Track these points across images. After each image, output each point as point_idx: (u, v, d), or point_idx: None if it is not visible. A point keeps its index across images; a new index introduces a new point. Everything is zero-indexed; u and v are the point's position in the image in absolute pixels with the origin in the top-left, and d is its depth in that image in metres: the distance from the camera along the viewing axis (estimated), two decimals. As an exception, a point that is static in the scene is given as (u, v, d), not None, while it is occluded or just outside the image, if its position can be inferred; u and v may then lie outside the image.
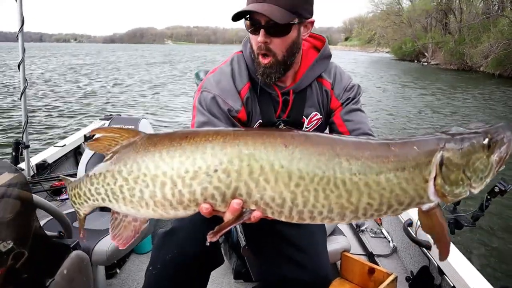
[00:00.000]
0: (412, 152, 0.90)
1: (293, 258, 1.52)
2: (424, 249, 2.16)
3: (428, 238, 2.12)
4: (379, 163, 0.88)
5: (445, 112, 12.54)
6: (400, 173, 0.88)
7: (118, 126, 2.32)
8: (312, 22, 1.41)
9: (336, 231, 2.33)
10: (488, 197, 1.93)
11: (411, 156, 0.89)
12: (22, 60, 2.52)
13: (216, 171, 0.87)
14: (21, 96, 2.62)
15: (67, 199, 2.93)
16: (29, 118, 2.77)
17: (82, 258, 1.48)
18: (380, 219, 3.00)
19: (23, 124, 2.70)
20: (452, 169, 0.90)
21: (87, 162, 2.69)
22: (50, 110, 11.40)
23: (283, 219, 0.92)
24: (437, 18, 41.66)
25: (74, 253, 1.45)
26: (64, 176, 1.15)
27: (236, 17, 1.30)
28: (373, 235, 2.85)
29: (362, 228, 2.92)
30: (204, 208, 0.90)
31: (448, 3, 38.98)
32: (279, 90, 1.47)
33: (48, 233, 1.53)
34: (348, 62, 38.69)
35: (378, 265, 2.42)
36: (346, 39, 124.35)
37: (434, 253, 2.08)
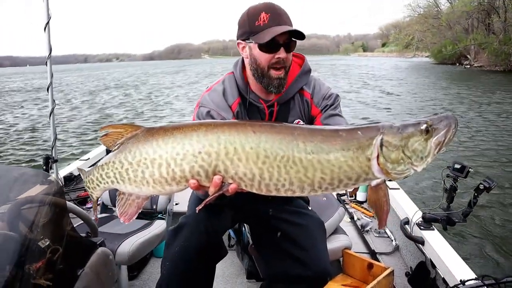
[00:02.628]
0: (356, 135, 1.13)
1: (295, 255, 1.70)
2: (419, 245, 2.29)
3: (421, 234, 2.27)
4: (329, 145, 1.12)
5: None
6: (346, 152, 1.11)
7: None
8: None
9: (338, 230, 2.49)
10: (475, 194, 2.08)
11: (355, 139, 1.13)
12: (51, 83, 2.84)
13: (200, 153, 1.13)
14: (50, 115, 2.93)
15: (90, 208, 3.20)
16: (57, 135, 3.07)
17: (106, 254, 1.70)
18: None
19: (52, 140, 3.00)
20: (391, 150, 1.11)
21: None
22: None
23: (254, 190, 1.17)
24: (479, 18, 39.99)
25: (100, 249, 1.67)
26: (80, 168, 1.44)
27: (271, 40, 1.48)
28: (377, 235, 2.99)
29: (367, 228, 3.06)
30: (192, 183, 1.15)
31: (491, 2, 37.41)
32: (265, 103, 1.69)
33: (78, 233, 1.77)
34: (385, 69, 37.68)
35: (379, 261, 2.57)
36: (383, 45, 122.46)
37: (427, 248, 2.22)
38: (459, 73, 32.05)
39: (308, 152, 1.12)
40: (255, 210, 1.84)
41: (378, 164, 1.12)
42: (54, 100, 2.91)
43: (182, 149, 1.13)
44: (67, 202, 1.69)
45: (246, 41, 1.56)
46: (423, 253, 2.31)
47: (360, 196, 3.55)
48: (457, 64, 42.03)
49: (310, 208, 1.97)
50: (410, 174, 1.16)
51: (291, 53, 1.57)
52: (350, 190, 1.20)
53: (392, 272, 2.14)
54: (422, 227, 2.32)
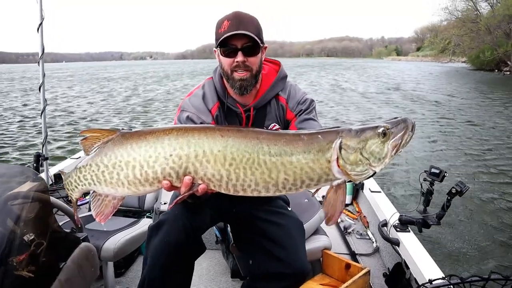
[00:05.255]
0: (317, 139, 1.22)
1: (274, 254, 1.77)
2: (396, 246, 2.37)
3: (397, 236, 2.35)
4: (291, 147, 1.21)
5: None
6: (307, 155, 1.20)
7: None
8: (266, 48, 1.73)
9: (319, 231, 2.56)
10: (448, 197, 2.16)
11: (315, 142, 1.21)
12: (43, 83, 2.91)
13: (171, 155, 1.21)
14: (41, 114, 2.99)
15: (81, 205, 3.25)
16: (48, 133, 3.13)
17: (89, 249, 1.77)
18: (367, 222, 3.21)
19: (43, 138, 3.06)
20: (350, 152, 1.20)
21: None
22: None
23: (222, 191, 1.25)
24: (523, 23, 36.86)
25: (83, 244, 1.74)
26: (61, 170, 1.51)
27: (222, 43, 1.60)
28: (359, 237, 3.07)
29: (349, 230, 3.14)
30: (165, 184, 1.23)
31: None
32: (242, 108, 1.77)
33: (63, 229, 1.84)
34: (418, 73, 36.53)
35: (358, 262, 2.64)
36: (418, 49, 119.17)
37: (402, 249, 2.29)
38: (499, 80, 30.87)
39: (272, 155, 1.20)
40: (236, 210, 1.90)
41: (338, 165, 1.20)
42: (45, 99, 2.97)
43: (154, 152, 1.21)
44: (52, 198, 1.76)
45: (216, 48, 1.66)
46: (399, 254, 2.38)
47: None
48: (496, 70, 40.31)
49: (290, 209, 2.04)
50: (369, 174, 1.25)
51: (257, 57, 1.65)
52: (313, 190, 1.28)
53: (368, 272, 2.21)
54: (398, 229, 2.39)
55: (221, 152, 1.20)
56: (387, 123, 1.24)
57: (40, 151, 3.03)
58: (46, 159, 3.05)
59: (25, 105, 17.80)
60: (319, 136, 1.23)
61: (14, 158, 8.63)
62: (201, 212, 1.79)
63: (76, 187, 1.35)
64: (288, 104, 1.82)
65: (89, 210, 3.06)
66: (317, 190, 1.36)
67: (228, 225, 2.37)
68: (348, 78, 34.10)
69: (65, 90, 25.61)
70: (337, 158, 1.19)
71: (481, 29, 42.84)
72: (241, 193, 1.25)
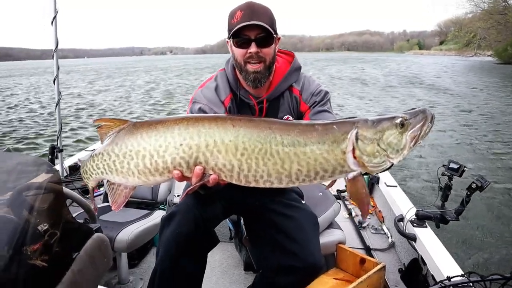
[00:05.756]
0: (332, 130, 1.18)
1: (286, 247, 1.74)
2: (412, 242, 2.31)
3: (414, 231, 2.29)
4: (305, 138, 1.17)
5: None
6: (321, 145, 1.16)
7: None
8: (279, 38, 1.68)
9: (333, 225, 2.52)
10: (468, 193, 2.08)
11: (330, 133, 1.17)
12: (57, 76, 2.94)
13: (181, 145, 1.19)
14: (56, 107, 3.02)
15: (96, 196, 3.29)
16: (62, 125, 3.16)
17: (102, 240, 1.76)
18: (382, 217, 3.15)
19: (57, 130, 3.09)
20: (367, 143, 1.16)
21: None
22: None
23: (234, 181, 1.22)
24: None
25: (96, 235, 1.74)
26: (80, 159, 1.52)
27: (235, 34, 1.56)
28: (374, 232, 3.01)
29: (364, 224, 3.09)
30: (175, 174, 1.21)
31: None
32: (255, 100, 1.74)
33: (77, 220, 1.85)
34: (441, 68, 35.73)
35: (373, 257, 2.59)
36: (441, 43, 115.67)
37: (419, 245, 2.24)
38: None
39: (285, 145, 1.16)
40: (249, 202, 1.88)
41: (355, 157, 1.16)
42: (60, 92, 3.00)
43: (164, 142, 1.19)
44: (65, 188, 1.77)
45: (229, 39, 1.62)
46: (416, 250, 2.33)
47: (360, 193, 3.56)
48: (525, 64, 38.01)
49: (303, 202, 2.01)
50: (386, 166, 1.20)
51: (270, 48, 1.61)
52: (327, 182, 1.25)
53: (383, 268, 2.16)
54: (415, 224, 2.33)
55: (232, 142, 1.17)
56: (405, 114, 1.19)
57: (55, 143, 3.06)
58: (61, 151, 3.09)
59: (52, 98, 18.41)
60: (334, 126, 1.18)
61: (34, 148, 8.85)
62: (213, 204, 1.77)
63: (91, 175, 1.36)
64: (302, 95, 1.78)
65: (104, 201, 3.11)
66: (331, 184, 1.32)
67: (241, 218, 2.36)
68: (369, 71, 33.66)
69: (87, 84, 26.49)
70: (353, 149, 1.15)
71: (510, 21, 41.50)
72: (253, 184, 1.22)
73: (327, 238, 2.36)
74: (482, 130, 10.22)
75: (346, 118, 1.24)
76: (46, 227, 1.59)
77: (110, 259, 1.88)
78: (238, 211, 2.08)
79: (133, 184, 1.29)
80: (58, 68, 2.93)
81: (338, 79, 26.80)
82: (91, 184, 1.41)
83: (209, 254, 1.81)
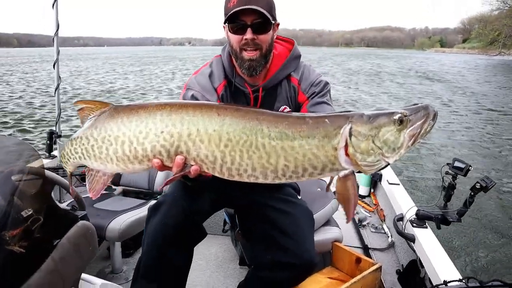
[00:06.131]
0: (323, 123, 1.09)
1: (280, 243, 1.69)
2: (410, 242, 2.23)
3: (413, 231, 2.20)
4: (294, 131, 1.08)
5: None
6: (311, 140, 1.07)
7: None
8: (278, 25, 1.59)
9: (330, 222, 2.45)
10: (472, 193, 1.99)
11: (321, 127, 1.08)
12: (57, 60, 2.90)
13: (162, 132, 1.12)
14: (55, 92, 3.00)
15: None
16: (61, 110, 3.14)
17: (87, 227, 1.72)
18: (384, 215, 3.06)
19: (56, 116, 3.06)
20: (361, 139, 1.06)
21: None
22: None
23: (216, 174, 1.15)
24: None
25: (81, 222, 1.69)
26: (60, 142, 1.46)
27: (231, 19, 1.48)
28: (374, 230, 2.93)
29: (364, 223, 3.00)
30: (155, 163, 1.14)
31: None
32: (250, 88, 1.66)
33: (62, 205, 1.81)
34: (463, 66, 35.09)
35: (370, 257, 2.51)
36: (464, 41, 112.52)
37: (417, 246, 2.15)
38: None
39: (272, 138, 1.08)
40: (241, 196, 1.82)
41: (347, 154, 1.07)
42: (60, 77, 2.97)
43: (145, 128, 1.12)
44: (48, 171, 1.73)
45: (224, 24, 1.55)
46: (414, 251, 2.24)
47: (362, 190, 3.48)
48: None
49: (299, 197, 1.94)
50: (381, 166, 1.11)
51: (267, 34, 1.52)
52: (327, 178, 1.16)
53: (379, 268, 2.09)
54: (414, 224, 2.24)
55: (217, 131, 1.10)
56: (405, 110, 1.09)
57: (54, 129, 3.04)
58: (59, 136, 3.06)
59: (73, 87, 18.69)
60: (326, 120, 1.09)
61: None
62: (201, 196, 1.71)
63: (68, 160, 1.30)
64: (300, 85, 1.70)
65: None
66: (330, 184, 1.23)
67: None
68: (387, 68, 33.27)
69: (105, 72, 26.71)
70: (346, 146, 1.06)
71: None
72: (236, 178, 1.14)
73: (323, 235, 2.29)
74: (500, 130, 9.96)
75: (341, 112, 1.15)
76: (31, 212, 1.55)
77: (95, 248, 1.83)
78: (231, 204, 2.02)
79: (112, 171, 1.23)
80: (58, 52, 2.90)
81: (356, 73, 26.57)
82: (69, 169, 1.35)
83: (205, 247, 1.77)
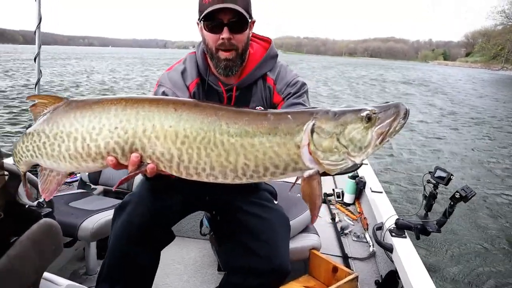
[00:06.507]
0: (285, 120, 1.03)
1: (253, 249, 1.63)
2: (388, 252, 2.17)
3: (392, 241, 2.14)
4: (254, 128, 1.03)
5: None
6: (272, 137, 1.02)
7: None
8: (254, 22, 1.55)
9: (309, 229, 2.39)
10: (451, 203, 1.94)
11: (283, 123, 1.03)
12: (38, 54, 2.86)
13: (116, 128, 1.06)
14: (35, 86, 2.94)
15: (72, 182, 3.19)
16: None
17: (50, 225, 1.65)
18: (367, 224, 3.01)
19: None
20: (324, 137, 1.01)
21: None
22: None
23: (173, 173, 1.09)
24: None
25: (44, 220, 1.62)
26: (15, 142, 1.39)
27: (207, 17, 1.43)
28: (356, 239, 2.87)
29: (346, 231, 2.95)
30: (110, 160, 1.08)
31: None
32: (224, 87, 1.60)
33: (26, 201, 1.74)
34: (467, 80, 35.46)
35: (349, 266, 2.45)
36: (467, 54, 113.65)
37: (395, 256, 2.09)
38: None
39: (231, 135, 1.03)
40: (216, 198, 1.77)
41: (310, 152, 1.02)
42: (40, 71, 2.92)
43: (98, 124, 1.07)
44: (5, 163, 1.67)
45: (199, 21, 1.49)
46: (392, 261, 2.19)
47: (347, 198, 3.43)
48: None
49: (276, 202, 1.89)
50: (347, 165, 1.05)
51: (244, 34, 1.48)
52: (277, 179, 1.11)
53: (356, 278, 2.03)
54: (393, 234, 2.19)
55: (173, 128, 1.04)
56: (375, 107, 1.04)
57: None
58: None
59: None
60: (289, 116, 1.04)
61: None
62: (170, 196, 1.65)
63: (20, 158, 1.23)
64: (276, 85, 1.65)
65: (78, 187, 3.01)
66: (294, 185, 1.18)
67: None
68: (389, 78, 33.57)
69: (109, 71, 27.12)
70: (309, 144, 1.01)
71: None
72: (195, 177, 1.09)
73: (299, 242, 2.24)
74: (496, 144, 9.98)
75: (306, 108, 1.10)
76: (-5, 210, 1.49)
77: (59, 247, 1.76)
78: (205, 207, 1.96)
79: (65, 170, 1.16)
80: (40, 46, 2.86)
81: (356, 84, 26.74)
82: (22, 168, 1.28)
83: (184, 251, 1.69)
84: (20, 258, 1.50)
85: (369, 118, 1.01)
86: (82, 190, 2.90)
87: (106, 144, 1.07)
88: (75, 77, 21.83)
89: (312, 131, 1.01)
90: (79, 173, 3.10)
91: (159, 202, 1.61)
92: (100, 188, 3.10)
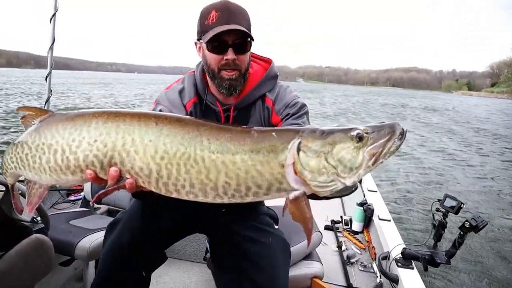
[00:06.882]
0: (269, 137, 0.99)
1: (250, 275, 1.55)
2: (394, 284, 2.05)
3: (398, 272, 2.02)
4: (236, 145, 0.98)
5: None
6: (255, 155, 0.97)
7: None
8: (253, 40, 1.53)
9: (312, 257, 2.29)
10: (461, 233, 1.83)
11: (267, 141, 0.98)
12: (49, 73, 2.94)
13: (95, 141, 1.04)
14: (45, 104, 3.00)
15: (77, 200, 3.18)
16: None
17: (41, 242, 1.63)
18: (375, 253, 2.87)
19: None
20: (311, 156, 0.95)
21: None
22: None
23: (152, 189, 1.06)
24: None
25: (35, 236, 1.60)
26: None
27: (214, 38, 1.40)
28: (362, 269, 2.73)
29: (352, 260, 2.81)
30: (88, 174, 1.06)
31: None
32: (222, 107, 1.58)
33: (20, 216, 1.72)
34: (494, 111, 35.64)
35: (354, 297, 2.33)
36: (493, 85, 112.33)
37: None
38: None
39: (212, 151, 0.99)
40: (213, 221, 1.72)
41: (296, 172, 0.97)
42: (51, 89, 3.00)
43: (78, 136, 1.06)
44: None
45: (200, 41, 1.48)
46: None
47: (356, 226, 3.31)
48: None
49: (276, 227, 1.81)
50: (337, 187, 0.98)
51: (246, 54, 1.46)
52: (262, 199, 1.05)
53: (358, 310, 1.91)
54: (400, 264, 2.06)
55: (152, 142, 1.02)
56: (367, 127, 0.99)
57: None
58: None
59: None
60: (273, 134, 1.00)
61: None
62: (162, 216, 1.60)
63: (6, 170, 1.22)
64: (274, 106, 1.61)
65: (81, 206, 2.99)
66: (285, 207, 1.12)
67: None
68: (412, 106, 33.43)
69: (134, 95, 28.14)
70: (295, 163, 0.96)
71: None
72: (174, 195, 1.05)
73: (301, 269, 2.14)
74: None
75: (293, 126, 1.06)
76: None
77: (50, 264, 1.73)
78: (201, 229, 1.90)
79: (47, 182, 1.15)
80: (51, 65, 2.94)
81: (380, 111, 26.71)
82: (9, 180, 1.26)
83: (186, 275, 1.62)
84: (7, 273, 1.47)
85: (360, 138, 0.96)
86: (85, 209, 2.88)
87: (85, 157, 1.05)
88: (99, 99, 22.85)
89: (299, 150, 0.96)
90: (59, 186, 3.09)
91: (151, 221, 1.56)
92: (104, 207, 3.08)
